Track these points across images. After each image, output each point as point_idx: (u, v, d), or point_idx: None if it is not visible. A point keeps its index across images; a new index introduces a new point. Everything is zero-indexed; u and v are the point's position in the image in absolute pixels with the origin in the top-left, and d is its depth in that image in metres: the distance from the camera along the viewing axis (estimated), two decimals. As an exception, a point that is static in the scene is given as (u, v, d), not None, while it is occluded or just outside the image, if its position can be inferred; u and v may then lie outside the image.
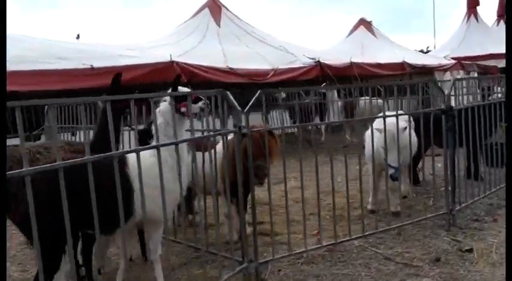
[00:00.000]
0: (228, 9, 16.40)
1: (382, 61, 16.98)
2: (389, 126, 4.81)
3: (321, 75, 13.81)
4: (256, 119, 5.32)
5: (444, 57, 21.44)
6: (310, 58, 13.93)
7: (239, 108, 3.81)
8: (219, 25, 15.50)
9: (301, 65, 13.59)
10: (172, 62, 10.21)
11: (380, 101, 12.54)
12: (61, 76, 8.79)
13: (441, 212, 5.06)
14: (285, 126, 4.31)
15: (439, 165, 8.06)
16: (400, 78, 17.56)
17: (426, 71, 19.02)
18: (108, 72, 9.34)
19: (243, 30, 15.68)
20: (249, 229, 5.35)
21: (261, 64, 13.00)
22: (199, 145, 4.76)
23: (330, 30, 70.95)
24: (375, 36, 21.49)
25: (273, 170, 8.63)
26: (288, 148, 4.48)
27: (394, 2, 77.67)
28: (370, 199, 5.68)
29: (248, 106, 3.85)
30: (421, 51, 36.04)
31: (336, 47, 21.53)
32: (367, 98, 11.37)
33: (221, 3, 16.38)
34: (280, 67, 12.96)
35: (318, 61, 13.75)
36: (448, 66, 19.31)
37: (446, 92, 5.28)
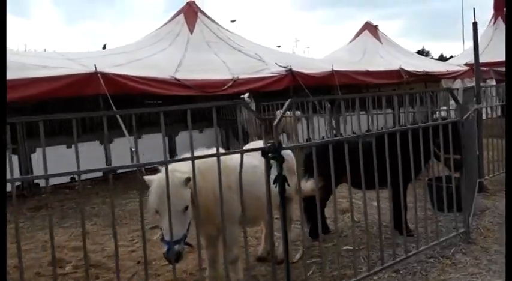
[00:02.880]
0: (205, 15, 14.89)
1: (377, 68, 14.87)
2: (163, 181, 3.04)
3: (293, 85, 11.98)
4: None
5: (461, 64, 18.89)
6: (281, 66, 12.10)
7: None
8: (191, 32, 14.01)
9: (269, 74, 11.79)
10: (96, 73, 8.72)
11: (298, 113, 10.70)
12: None
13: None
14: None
15: (374, 204, 6.12)
16: (396, 87, 15.41)
17: (432, 79, 16.69)
18: (13, 85, 8.04)
19: (217, 36, 14.09)
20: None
21: (222, 74, 11.33)
22: None
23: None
24: (380, 41, 19.24)
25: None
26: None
27: (436, 8, 73.26)
28: (208, 272, 3.87)
29: None
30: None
31: (335, 53, 19.51)
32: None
33: (198, 8, 14.88)
34: (242, 77, 11.22)
35: (290, 69, 11.90)
36: (459, 73, 16.83)
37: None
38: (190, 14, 14.58)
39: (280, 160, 2.99)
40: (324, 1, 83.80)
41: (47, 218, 6.78)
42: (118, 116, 8.32)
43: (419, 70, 15.44)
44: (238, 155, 3.27)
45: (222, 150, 3.37)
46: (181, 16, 14.58)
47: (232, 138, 11.61)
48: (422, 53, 50.59)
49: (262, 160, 3.77)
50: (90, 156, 7.47)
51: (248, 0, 68.86)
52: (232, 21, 30.32)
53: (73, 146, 9.67)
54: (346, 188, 5.41)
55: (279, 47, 37.70)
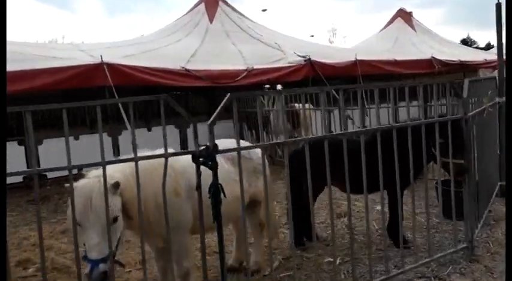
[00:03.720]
0: (226, 4, 14.41)
1: (407, 58, 13.91)
2: (86, 187, 2.63)
3: (312, 76, 11.33)
4: None
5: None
6: (300, 56, 11.48)
7: None
8: (211, 21, 13.59)
9: (287, 64, 11.20)
10: (101, 64, 8.49)
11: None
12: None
13: None
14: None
15: (377, 208, 5.59)
16: (428, 77, 14.37)
17: (469, 69, 15.48)
18: (16, 77, 7.93)
19: (237, 26, 13.60)
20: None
21: (237, 64, 10.85)
22: None
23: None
24: (414, 29, 18.10)
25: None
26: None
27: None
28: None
29: None
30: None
31: (365, 42, 18.56)
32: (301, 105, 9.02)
33: (220, -3, 14.41)
34: (257, 67, 10.71)
35: (309, 59, 11.26)
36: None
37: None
38: (211, 3, 14.14)
39: (214, 167, 2.50)
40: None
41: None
42: (120, 106, 8.13)
43: (453, 59, 14.33)
44: (189, 156, 2.82)
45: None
46: (202, 5, 14.17)
47: (248, 133, 11.14)
48: (466, 42, 47.83)
49: (222, 160, 3.33)
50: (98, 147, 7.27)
51: (285, -11, 67.50)
52: (263, 10, 29.92)
53: (80, 137, 9.32)
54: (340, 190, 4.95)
55: (312, 36, 36.76)
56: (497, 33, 5.58)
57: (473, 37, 52.39)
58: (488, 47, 39.57)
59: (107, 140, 9.71)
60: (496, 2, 5.40)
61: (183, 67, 9.78)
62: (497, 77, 5.54)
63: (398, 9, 18.97)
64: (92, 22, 60.50)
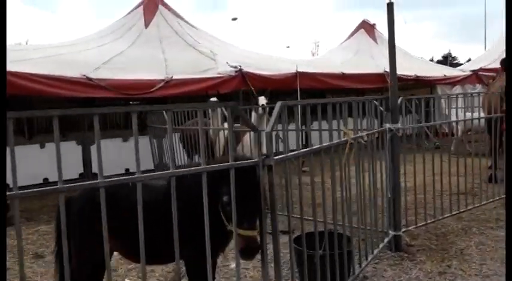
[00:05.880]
0: (166, 8, 13.14)
1: (359, 71, 12.72)
2: None
3: (244, 89, 10.08)
4: None
5: (463, 69, 16.42)
6: (231, 66, 10.21)
7: None
8: (146, 26, 12.31)
9: (214, 75, 9.93)
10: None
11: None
12: None
13: None
14: None
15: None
16: (380, 93, 13.18)
17: (428, 85, 14.37)
18: None
19: (174, 31, 12.33)
20: None
21: (155, 73, 9.52)
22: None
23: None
24: (376, 41, 16.93)
25: None
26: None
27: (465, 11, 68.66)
28: None
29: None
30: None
31: (327, 54, 17.42)
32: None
33: (160, 0, 13.15)
34: (178, 77, 9.41)
35: (240, 70, 10.00)
36: (457, 78, 14.40)
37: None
38: (150, 6, 12.89)
39: None
40: (352, 3, 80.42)
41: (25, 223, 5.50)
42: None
43: (409, 74, 13.12)
44: None
45: None
46: (140, 8, 12.91)
47: (166, 152, 9.64)
48: (447, 57, 47.04)
49: None
50: None
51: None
52: (234, 19, 28.71)
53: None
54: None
55: (287, 47, 35.53)
56: (389, 41, 4.30)
57: (455, 53, 51.68)
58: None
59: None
60: (388, 1, 4.13)
61: (84, 75, 8.45)
62: (389, 98, 4.25)
63: (362, 20, 17.83)
64: (76, 24, 59.05)
